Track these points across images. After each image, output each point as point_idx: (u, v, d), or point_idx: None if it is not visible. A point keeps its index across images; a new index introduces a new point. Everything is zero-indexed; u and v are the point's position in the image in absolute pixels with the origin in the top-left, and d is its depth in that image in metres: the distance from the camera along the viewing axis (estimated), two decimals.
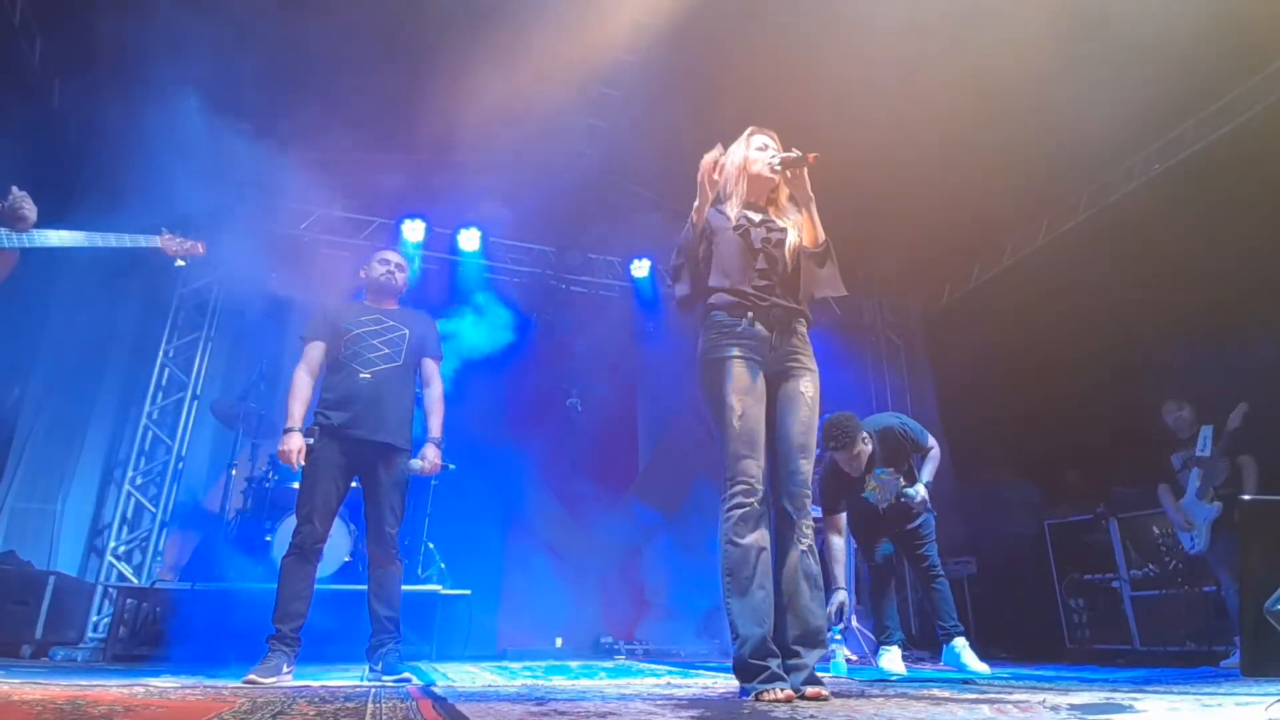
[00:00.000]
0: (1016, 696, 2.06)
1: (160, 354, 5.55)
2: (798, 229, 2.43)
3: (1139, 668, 4.02)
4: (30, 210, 2.71)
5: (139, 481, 5.32)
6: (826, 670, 3.58)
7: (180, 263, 3.21)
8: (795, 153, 2.39)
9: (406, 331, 3.27)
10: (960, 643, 3.63)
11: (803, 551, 2.20)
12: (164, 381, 5.57)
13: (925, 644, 4.31)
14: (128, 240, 3.01)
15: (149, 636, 4.59)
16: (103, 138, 5.59)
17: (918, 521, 3.84)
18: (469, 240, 6.62)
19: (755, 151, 2.47)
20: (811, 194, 2.41)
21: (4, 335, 4.74)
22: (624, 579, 6.42)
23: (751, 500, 2.16)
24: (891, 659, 3.73)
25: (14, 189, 2.71)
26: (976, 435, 6.06)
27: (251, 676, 2.64)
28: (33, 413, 5.12)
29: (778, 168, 2.42)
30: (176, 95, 5.32)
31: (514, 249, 6.93)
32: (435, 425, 3.27)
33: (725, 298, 2.35)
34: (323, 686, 2.54)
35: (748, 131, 2.53)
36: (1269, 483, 3.84)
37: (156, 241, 3.09)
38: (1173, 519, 4.20)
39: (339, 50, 4.97)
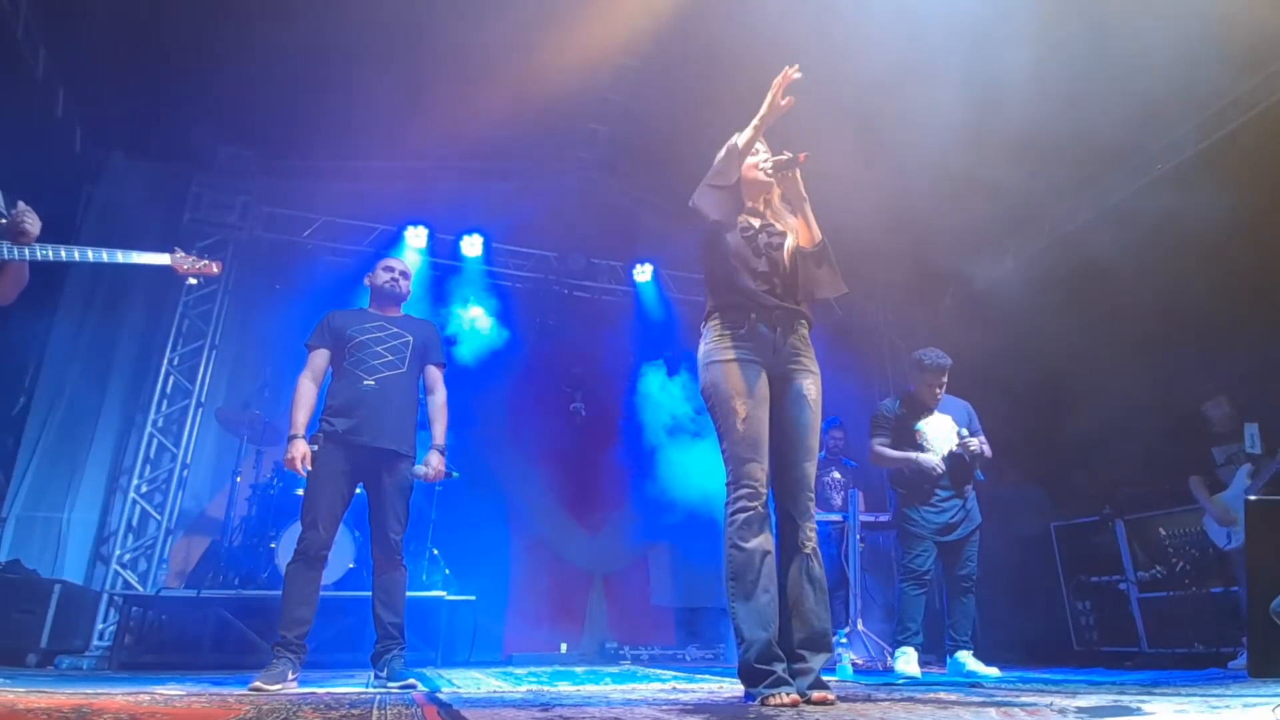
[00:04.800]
0: (1024, 699, 2.05)
1: (165, 361, 5.55)
2: (794, 231, 2.43)
3: (1147, 670, 4.01)
4: (33, 225, 2.66)
5: (144, 489, 5.32)
6: (833, 674, 3.57)
7: (193, 281, 3.21)
8: (787, 155, 2.40)
9: (410, 338, 3.28)
10: (965, 655, 3.77)
11: (806, 555, 2.20)
12: (169, 389, 5.56)
13: (931, 647, 4.30)
14: (135, 257, 2.98)
15: (154, 644, 4.60)
16: (107, 150, 5.63)
17: (973, 527, 3.95)
18: (471, 246, 6.64)
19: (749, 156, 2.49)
20: (805, 194, 2.42)
21: (9, 345, 4.76)
22: (629, 584, 6.42)
23: (755, 504, 2.15)
24: (908, 661, 3.68)
25: (19, 203, 2.69)
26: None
27: (257, 684, 2.64)
28: (38, 421, 5.13)
29: (770, 171, 2.44)
30: (180, 105, 5.36)
31: (516, 254, 6.94)
32: (438, 432, 3.28)
33: (727, 299, 2.35)
34: (328, 693, 2.53)
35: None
36: None
37: (167, 259, 3.05)
38: (1209, 512, 4.13)
39: (341, 57, 5.00)
